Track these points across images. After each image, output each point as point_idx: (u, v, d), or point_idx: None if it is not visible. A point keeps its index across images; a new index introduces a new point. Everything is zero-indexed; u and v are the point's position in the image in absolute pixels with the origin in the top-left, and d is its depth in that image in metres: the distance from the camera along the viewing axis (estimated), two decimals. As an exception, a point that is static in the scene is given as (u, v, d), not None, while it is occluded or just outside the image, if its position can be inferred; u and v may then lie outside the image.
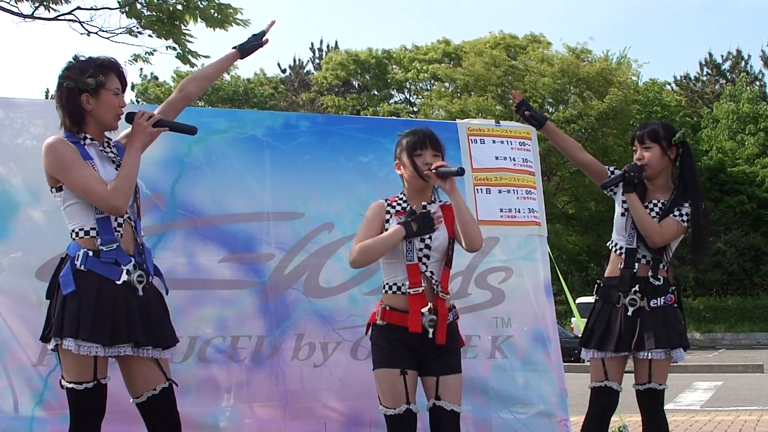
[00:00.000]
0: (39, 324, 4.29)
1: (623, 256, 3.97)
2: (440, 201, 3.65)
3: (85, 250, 3.22)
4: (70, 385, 3.20)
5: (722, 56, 43.35)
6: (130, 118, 3.41)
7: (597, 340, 3.92)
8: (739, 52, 42.77)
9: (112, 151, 3.40)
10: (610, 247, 4.09)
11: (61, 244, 4.36)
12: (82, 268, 3.20)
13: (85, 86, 3.27)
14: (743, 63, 42.58)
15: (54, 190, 3.31)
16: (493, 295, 5.24)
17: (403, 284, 3.47)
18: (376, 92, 38.92)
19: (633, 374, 3.97)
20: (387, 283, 3.53)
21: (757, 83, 40.51)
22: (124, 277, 3.22)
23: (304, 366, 4.78)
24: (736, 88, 36.84)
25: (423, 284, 3.45)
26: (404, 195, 3.61)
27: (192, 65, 9.17)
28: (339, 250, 4.90)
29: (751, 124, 34.93)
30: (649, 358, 3.85)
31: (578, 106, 29.04)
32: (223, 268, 4.72)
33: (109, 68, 3.37)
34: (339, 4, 71.29)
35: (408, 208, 3.54)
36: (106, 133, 3.44)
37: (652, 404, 3.90)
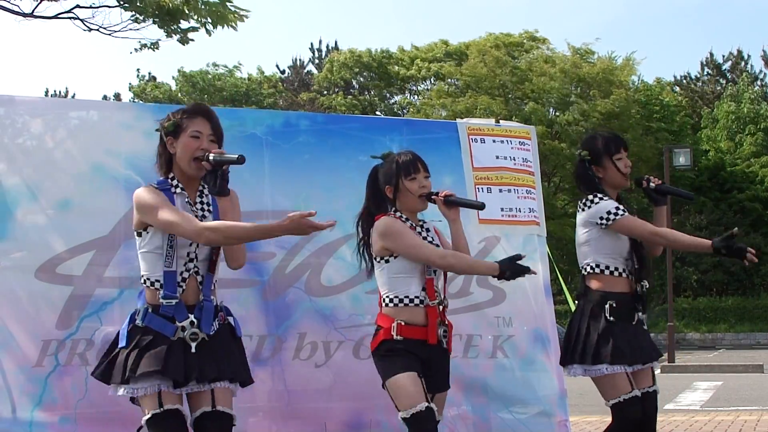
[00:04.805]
0: (38, 324, 4.30)
1: (631, 277, 3.99)
2: (423, 221, 3.83)
3: (146, 306, 3.26)
4: (143, 418, 3.21)
5: (723, 56, 43.33)
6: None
7: (629, 356, 3.90)
8: (740, 52, 42.70)
9: (200, 203, 3.36)
10: (595, 271, 3.99)
11: (60, 244, 4.38)
12: (140, 324, 3.24)
13: (162, 129, 3.32)
14: (744, 63, 42.53)
15: (137, 233, 3.31)
16: (495, 294, 5.23)
17: (416, 297, 3.60)
18: (377, 92, 38.80)
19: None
20: (397, 296, 3.62)
21: (758, 83, 40.48)
22: (179, 333, 3.22)
23: (305, 366, 4.76)
24: (738, 88, 36.79)
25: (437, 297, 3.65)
26: (401, 213, 3.73)
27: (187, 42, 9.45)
28: (341, 248, 4.87)
29: (751, 125, 34.90)
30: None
31: (581, 107, 28.93)
32: (223, 266, 4.69)
33: (195, 112, 3.36)
34: (338, 5, 71.34)
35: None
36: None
37: (653, 406, 4.05)
